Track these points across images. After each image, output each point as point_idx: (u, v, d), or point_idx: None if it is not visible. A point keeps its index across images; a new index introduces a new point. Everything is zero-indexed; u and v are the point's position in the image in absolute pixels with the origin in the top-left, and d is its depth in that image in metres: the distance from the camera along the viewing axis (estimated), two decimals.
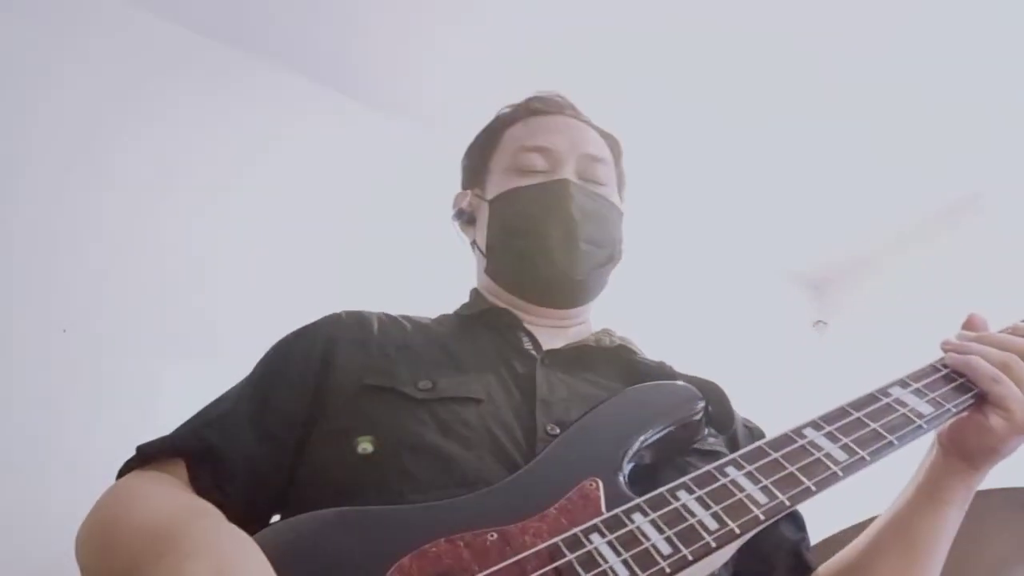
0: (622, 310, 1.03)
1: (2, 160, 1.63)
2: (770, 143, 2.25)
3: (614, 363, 0.85)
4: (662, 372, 0.82)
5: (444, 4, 1.91)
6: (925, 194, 2.38)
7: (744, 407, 0.85)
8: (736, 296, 2.61)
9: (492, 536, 0.57)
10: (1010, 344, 0.68)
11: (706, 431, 0.73)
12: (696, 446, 0.74)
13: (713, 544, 0.55)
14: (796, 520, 0.83)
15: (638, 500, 0.59)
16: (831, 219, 2.52)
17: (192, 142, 1.88)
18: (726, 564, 0.73)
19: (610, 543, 0.55)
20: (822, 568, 0.77)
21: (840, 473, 0.60)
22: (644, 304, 1.87)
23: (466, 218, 1.00)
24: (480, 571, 0.54)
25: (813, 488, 0.59)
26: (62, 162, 1.70)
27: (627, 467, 0.65)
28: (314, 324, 0.83)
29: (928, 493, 0.71)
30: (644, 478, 0.65)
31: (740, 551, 0.78)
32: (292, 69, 2.05)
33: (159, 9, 1.93)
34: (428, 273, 1.57)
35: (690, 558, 0.54)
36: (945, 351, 0.71)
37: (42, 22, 1.80)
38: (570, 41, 1.96)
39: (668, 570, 0.53)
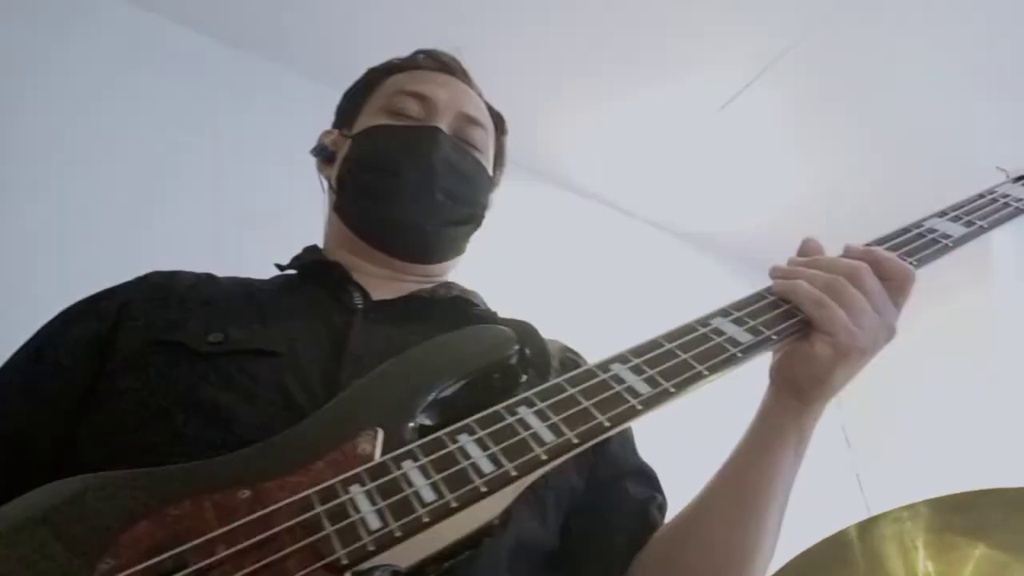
0: None
1: (3, 160, 1.65)
2: None
3: (449, 315, 0.79)
4: (489, 320, 0.77)
5: (446, 8, 1.94)
6: None
7: None
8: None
9: (245, 494, 0.51)
10: (837, 266, 0.63)
11: (524, 377, 0.67)
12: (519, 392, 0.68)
13: (483, 489, 0.49)
14: (647, 477, 0.78)
15: (413, 445, 0.53)
16: None
17: (193, 142, 1.90)
18: (541, 516, 0.68)
19: (368, 492, 0.49)
20: (662, 528, 0.72)
21: (639, 407, 0.55)
22: None
23: (326, 155, 0.93)
24: (220, 530, 0.48)
25: (607, 423, 0.54)
26: (62, 162, 1.72)
27: (421, 417, 0.59)
28: (116, 285, 0.77)
29: (759, 435, 0.66)
30: None
31: (581, 506, 0.73)
32: (291, 69, 2.08)
33: (161, 8, 1.97)
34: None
35: (454, 504, 0.48)
36: (772, 277, 0.66)
37: (39, 21, 1.82)
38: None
39: (426, 518, 0.47)
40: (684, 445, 1.41)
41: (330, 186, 0.90)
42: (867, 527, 0.74)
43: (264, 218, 1.85)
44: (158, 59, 1.96)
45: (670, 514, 0.76)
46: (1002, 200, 0.77)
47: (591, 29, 1.98)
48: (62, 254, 1.62)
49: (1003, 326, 2.38)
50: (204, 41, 2.02)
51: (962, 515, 0.70)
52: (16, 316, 1.46)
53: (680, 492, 0.77)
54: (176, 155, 1.88)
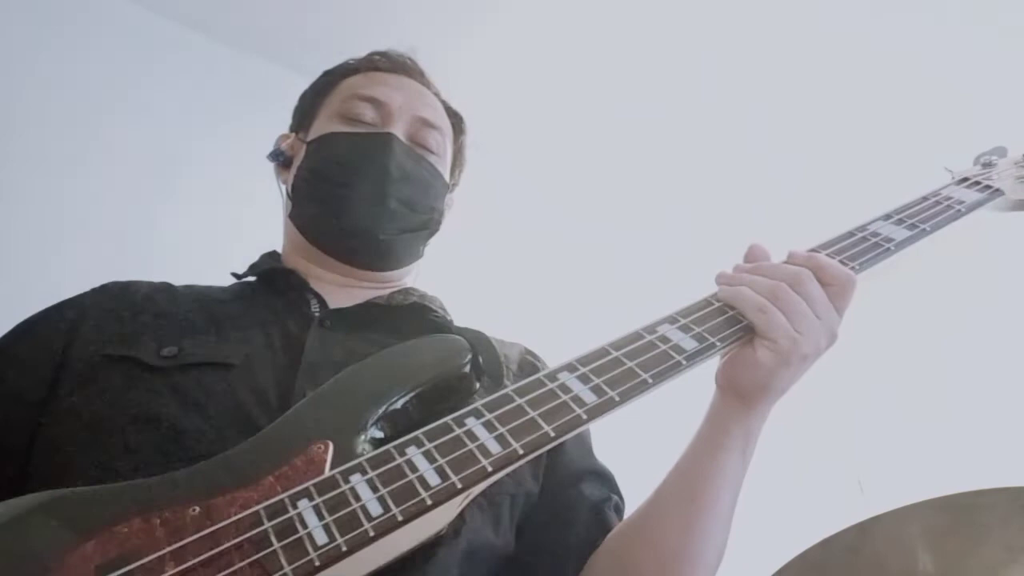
0: None
1: (3, 160, 1.64)
2: None
3: (406, 323, 0.80)
4: (444, 328, 0.77)
5: (445, 5, 1.93)
6: None
7: None
8: None
9: (194, 511, 0.52)
10: (780, 272, 0.65)
11: (478, 385, 0.68)
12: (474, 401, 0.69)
13: (429, 502, 0.50)
14: (602, 479, 0.79)
15: (362, 459, 0.54)
16: None
17: (193, 143, 1.89)
18: (503, 523, 0.69)
19: (316, 507, 0.50)
20: (616, 528, 0.74)
21: (584, 416, 0.56)
22: None
23: (283, 160, 0.93)
24: (169, 548, 0.49)
25: (552, 434, 0.55)
26: (62, 162, 1.70)
27: (372, 429, 0.60)
28: (71, 297, 0.77)
29: (707, 437, 0.67)
30: None
31: (537, 510, 0.74)
32: (292, 67, 2.02)
33: (163, 9, 1.95)
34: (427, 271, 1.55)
35: (399, 518, 0.49)
36: (718, 284, 0.67)
37: (39, 19, 1.80)
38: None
39: (372, 532, 0.48)
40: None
41: (286, 192, 0.90)
42: (867, 528, 0.75)
43: (265, 220, 1.84)
44: (159, 60, 1.95)
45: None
46: (945, 203, 0.79)
47: None
48: (62, 255, 1.62)
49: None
50: (205, 42, 2.02)
51: (962, 515, 0.71)
52: (17, 316, 1.47)
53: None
54: (178, 156, 1.88)
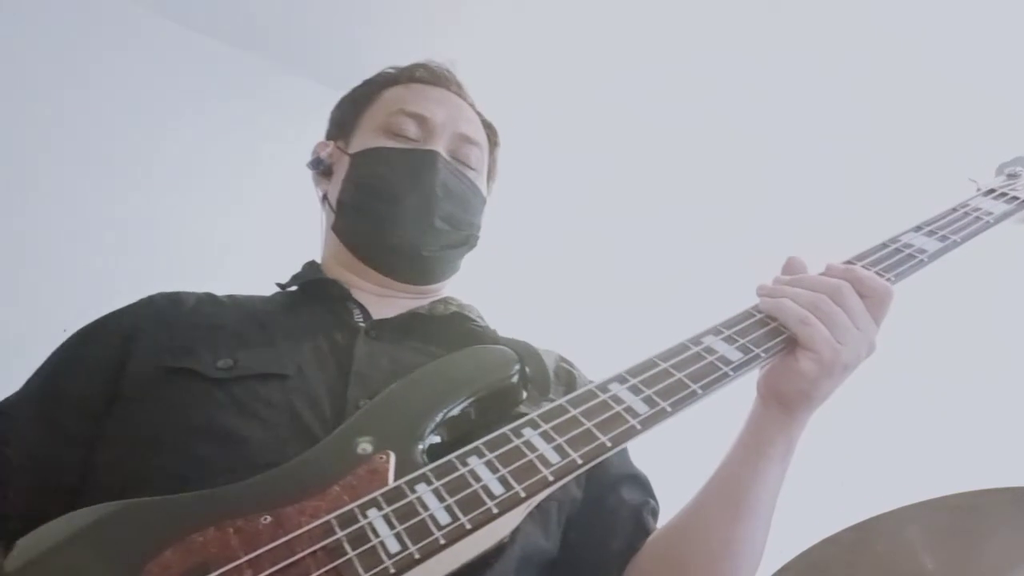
0: None
1: (4, 160, 1.64)
2: None
3: (447, 332, 0.82)
4: (488, 338, 0.79)
5: (445, 7, 1.94)
6: None
7: None
8: None
9: (266, 520, 0.53)
10: (821, 285, 0.67)
11: (525, 394, 0.70)
12: (522, 409, 0.71)
13: (495, 510, 0.52)
14: (640, 483, 0.81)
15: (425, 469, 0.56)
16: None
17: (195, 143, 1.90)
18: (548, 532, 0.71)
19: (386, 516, 0.52)
20: (656, 532, 0.76)
21: (639, 426, 0.58)
22: None
23: (323, 168, 0.95)
24: (246, 556, 0.50)
25: (609, 444, 0.57)
26: (63, 162, 1.71)
27: (430, 438, 0.62)
28: (120, 309, 0.78)
29: (748, 445, 0.69)
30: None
31: (580, 515, 0.76)
32: (300, 72, 2.10)
33: (172, 14, 1.97)
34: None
35: (468, 526, 0.51)
36: (759, 296, 0.69)
37: (47, 23, 1.81)
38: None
39: (443, 541, 0.50)
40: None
41: (328, 203, 0.92)
42: (867, 528, 0.77)
43: (270, 223, 1.85)
44: (159, 60, 1.96)
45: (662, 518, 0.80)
46: (974, 214, 0.81)
47: None
48: (62, 254, 1.63)
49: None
50: (211, 43, 2.03)
51: (963, 515, 0.73)
52: (16, 316, 1.48)
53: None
54: (179, 157, 1.89)
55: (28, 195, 1.64)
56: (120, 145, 1.79)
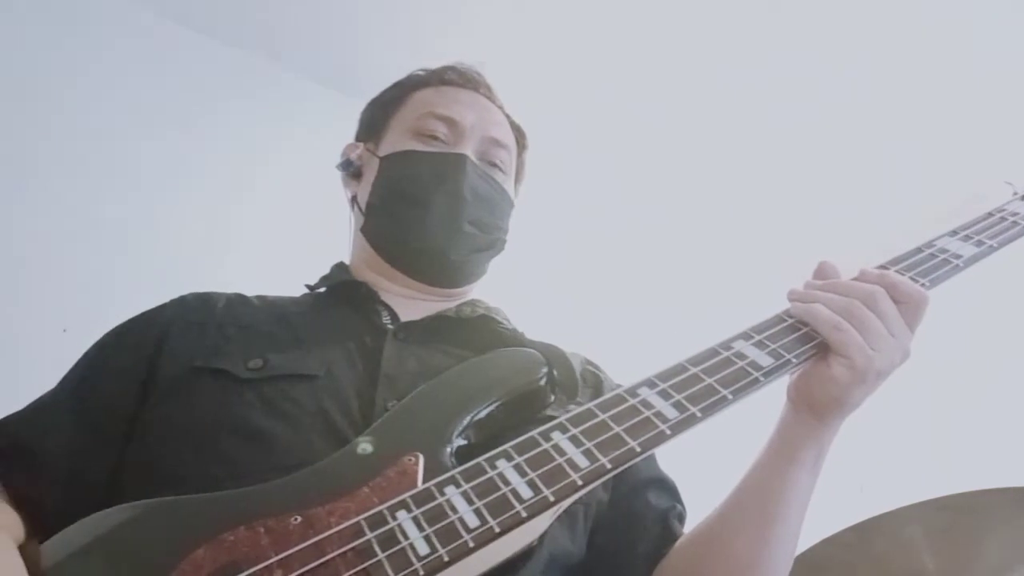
0: None
1: (3, 160, 1.65)
2: None
3: (475, 334, 0.82)
4: (515, 340, 0.79)
5: (445, 7, 1.93)
6: None
7: None
8: None
9: (296, 520, 0.54)
10: (853, 290, 0.66)
11: (553, 398, 0.70)
12: (549, 412, 0.71)
13: (524, 514, 0.52)
14: (666, 487, 0.81)
15: (454, 471, 0.56)
16: None
17: (195, 143, 1.90)
18: (572, 537, 0.71)
19: (415, 518, 0.52)
20: (684, 537, 0.75)
21: (668, 431, 0.57)
22: None
23: (352, 170, 0.95)
24: (276, 557, 0.51)
25: (638, 449, 0.56)
26: (63, 162, 1.72)
27: (458, 440, 0.62)
28: (153, 309, 0.79)
29: (779, 451, 0.68)
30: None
31: (606, 518, 0.76)
32: (300, 72, 2.09)
33: (172, 14, 1.98)
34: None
35: (496, 530, 0.51)
36: (790, 301, 0.68)
37: (46, 22, 1.82)
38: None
39: (472, 544, 0.50)
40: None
41: (357, 205, 0.92)
42: (867, 528, 0.76)
43: (271, 223, 1.88)
44: (159, 60, 1.97)
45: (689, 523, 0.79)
46: (1011, 219, 0.80)
47: None
48: (62, 254, 1.63)
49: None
50: (211, 43, 2.04)
51: (963, 515, 0.71)
52: (16, 316, 1.50)
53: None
54: (179, 157, 1.89)
55: (28, 195, 1.65)
56: (120, 145, 1.80)
